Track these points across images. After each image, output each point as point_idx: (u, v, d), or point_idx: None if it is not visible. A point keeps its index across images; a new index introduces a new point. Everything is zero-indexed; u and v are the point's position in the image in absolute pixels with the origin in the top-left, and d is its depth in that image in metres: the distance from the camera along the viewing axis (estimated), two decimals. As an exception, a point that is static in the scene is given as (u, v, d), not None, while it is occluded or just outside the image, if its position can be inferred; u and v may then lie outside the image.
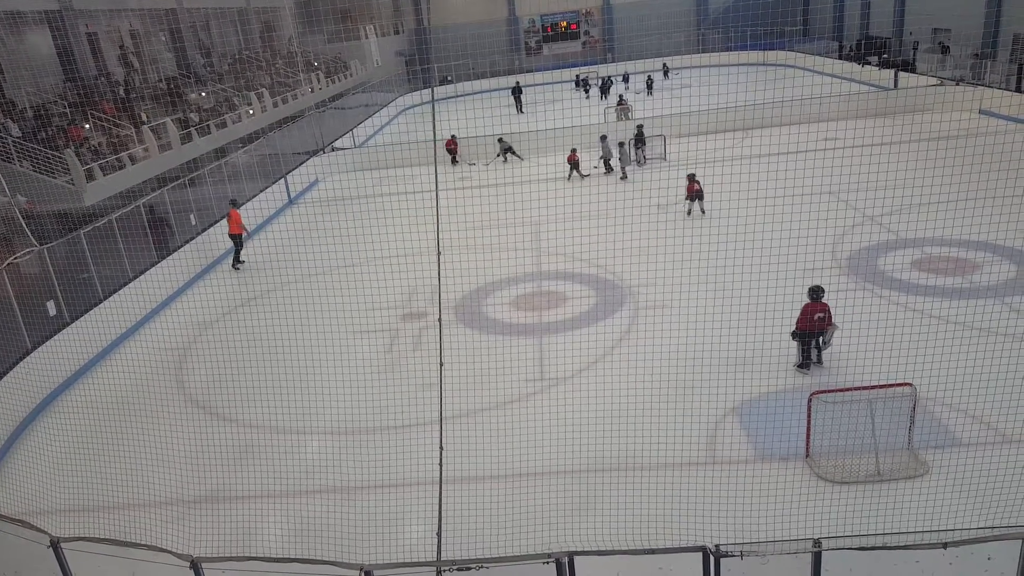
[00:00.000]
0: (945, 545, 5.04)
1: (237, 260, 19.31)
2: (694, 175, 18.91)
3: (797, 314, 11.00)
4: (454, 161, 28.35)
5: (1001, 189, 16.38)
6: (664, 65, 48.30)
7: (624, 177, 23.85)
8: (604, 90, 42.82)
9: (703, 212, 18.82)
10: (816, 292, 11.00)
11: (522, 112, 40.06)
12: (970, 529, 5.23)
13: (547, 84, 49.35)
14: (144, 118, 22.56)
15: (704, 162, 23.43)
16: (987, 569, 6.72)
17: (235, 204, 19.72)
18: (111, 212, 16.84)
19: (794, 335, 11.07)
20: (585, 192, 20.82)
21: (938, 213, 15.93)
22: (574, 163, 24.35)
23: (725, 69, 46.22)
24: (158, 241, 18.38)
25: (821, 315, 10.80)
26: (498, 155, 28.45)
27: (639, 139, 25.35)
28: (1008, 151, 20.68)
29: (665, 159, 25.67)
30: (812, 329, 10.85)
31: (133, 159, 20.25)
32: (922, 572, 7.12)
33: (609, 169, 24.45)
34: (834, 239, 16.21)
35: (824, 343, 11.03)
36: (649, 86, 41.85)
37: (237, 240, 19.15)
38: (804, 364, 11.06)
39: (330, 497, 9.57)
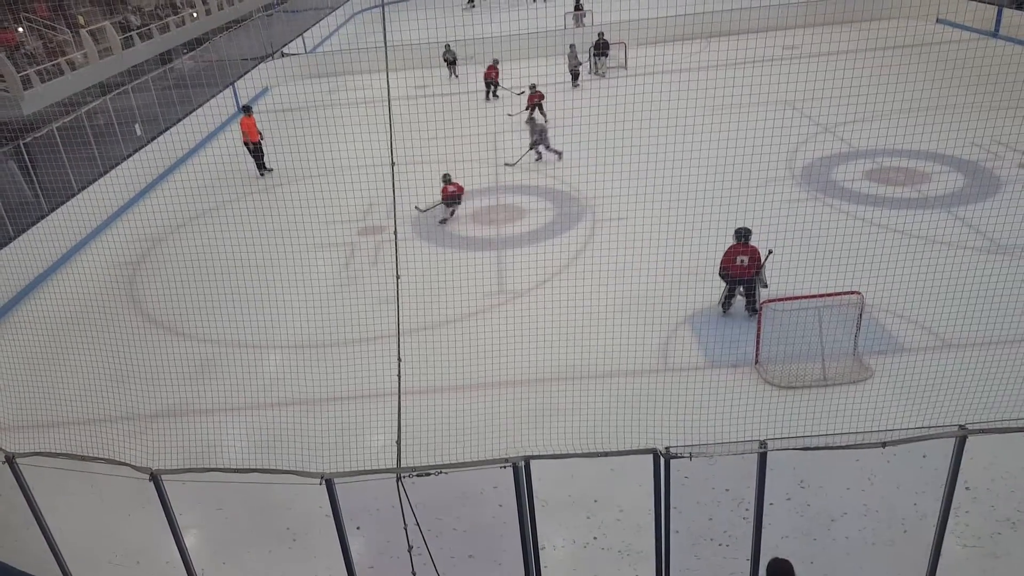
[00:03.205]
0: (884, 444, 5.27)
1: (263, 167, 18.38)
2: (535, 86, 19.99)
3: (756, 227, 11.03)
4: (490, 95, 23.19)
5: (953, 99, 16.53)
6: None
7: (577, 85, 23.40)
8: None
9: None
10: (740, 233, 10.29)
11: (472, 5, 39.34)
12: (908, 429, 5.47)
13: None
14: (82, 21, 21.14)
15: (665, 71, 23.05)
16: (922, 466, 7.14)
17: (247, 111, 18.39)
18: (52, 121, 16.00)
19: (720, 274, 10.48)
20: (546, 103, 20.36)
21: (892, 124, 16.04)
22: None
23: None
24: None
25: (744, 258, 10.14)
26: (450, 67, 26.17)
27: (600, 47, 24.71)
28: (962, 61, 20.71)
29: (626, 68, 25.16)
30: (733, 272, 10.24)
31: (72, 65, 19.08)
32: (861, 470, 7.55)
33: (577, 84, 23.71)
34: (790, 150, 16.26)
35: (754, 292, 10.27)
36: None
37: (257, 148, 18.10)
38: (725, 303, 10.57)
39: (291, 410, 9.63)
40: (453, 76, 25.84)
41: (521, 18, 32.52)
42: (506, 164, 17.71)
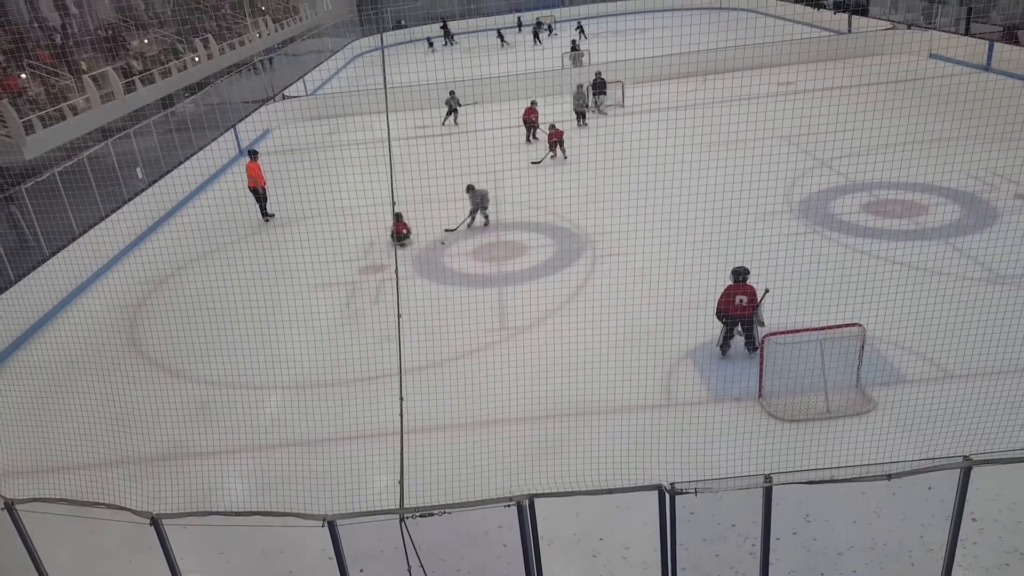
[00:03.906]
0: (889, 477, 5.25)
1: (265, 212, 18.24)
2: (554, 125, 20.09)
3: (756, 261, 11.07)
4: (531, 137, 22.24)
5: (947, 132, 16.76)
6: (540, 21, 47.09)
7: (584, 124, 23.65)
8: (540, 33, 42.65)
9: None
10: (738, 273, 10.15)
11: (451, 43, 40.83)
12: (913, 461, 5.45)
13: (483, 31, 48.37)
14: (84, 67, 21.53)
15: (662, 108, 23.38)
16: (927, 498, 7.09)
17: (253, 155, 18.27)
18: (53, 166, 16.18)
19: (718, 315, 10.34)
20: (545, 140, 20.63)
21: (888, 157, 16.23)
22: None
23: (679, 13, 45.78)
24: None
25: (743, 298, 10.03)
26: (449, 114, 25.52)
27: (598, 86, 25.09)
28: (956, 95, 21.02)
29: (623, 106, 25.52)
30: (733, 312, 10.08)
31: (75, 110, 19.38)
32: (867, 503, 7.48)
33: (584, 124, 23.71)
34: (788, 184, 16.42)
35: (753, 331, 10.17)
36: (536, 35, 41.70)
37: (259, 193, 18.00)
38: (724, 345, 10.40)
39: (292, 451, 9.57)
40: (454, 124, 25.39)
41: (519, 60, 33.14)
42: (532, 163, 19.83)
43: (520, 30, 47.70)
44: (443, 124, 25.30)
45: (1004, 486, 7.39)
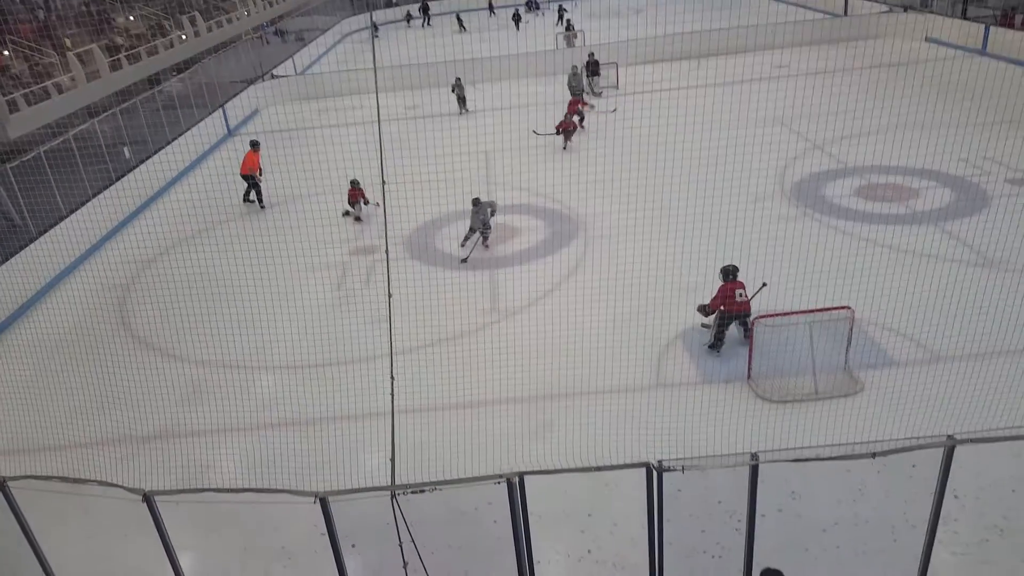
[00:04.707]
0: (874, 455, 5.34)
1: (259, 199, 17.86)
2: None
3: (748, 244, 11.13)
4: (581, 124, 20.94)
5: (941, 116, 16.81)
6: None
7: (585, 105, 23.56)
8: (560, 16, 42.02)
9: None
10: (731, 271, 10.02)
11: (464, 30, 40.51)
12: (898, 440, 5.54)
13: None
14: (68, 44, 21.25)
15: (656, 90, 23.32)
16: (911, 476, 7.20)
17: (255, 146, 17.79)
18: (39, 145, 16.03)
19: (705, 310, 10.19)
20: (538, 122, 20.56)
21: (882, 141, 16.28)
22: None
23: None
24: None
25: (742, 292, 9.90)
26: (459, 97, 24.24)
27: (592, 67, 24.99)
28: (951, 79, 21.07)
29: (617, 87, 25.45)
30: (735, 310, 9.90)
31: (59, 88, 19.15)
32: (852, 481, 7.60)
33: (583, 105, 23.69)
34: (781, 167, 16.46)
35: (747, 321, 9.99)
36: (516, 19, 41.42)
37: (251, 180, 17.60)
38: (716, 344, 10.14)
39: (284, 431, 9.61)
40: (463, 111, 24.35)
41: (511, 38, 32.91)
42: (534, 132, 19.53)
43: (493, 13, 46.97)
44: (460, 114, 24.15)
45: (986, 464, 7.52)
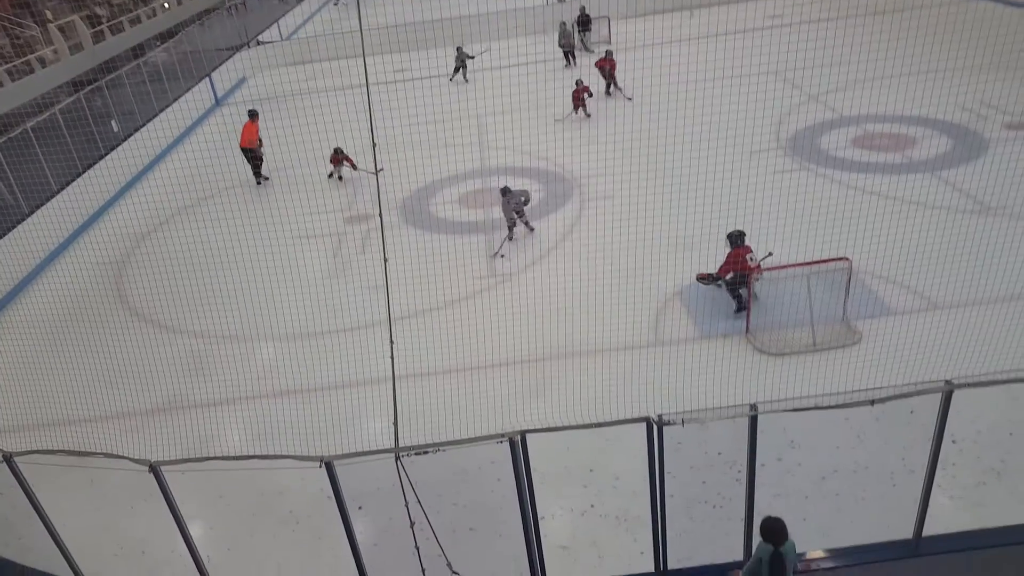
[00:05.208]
0: (872, 403, 5.38)
1: (257, 173, 17.10)
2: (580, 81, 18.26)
3: (745, 198, 11.04)
4: (611, 89, 19.83)
5: (938, 63, 16.60)
6: None
7: (569, 64, 23.26)
8: None
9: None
10: (739, 237, 9.92)
11: None
12: (896, 387, 5.58)
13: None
14: (50, 16, 20.84)
15: (648, 44, 22.98)
16: (910, 422, 7.28)
17: (253, 115, 16.86)
18: (25, 120, 15.82)
19: (709, 279, 10.06)
20: (531, 82, 20.31)
21: (879, 89, 16.11)
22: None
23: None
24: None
25: (752, 256, 9.79)
26: (457, 70, 23.50)
27: (583, 23, 24.59)
28: (948, 24, 20.74)
29: (610, 42, 25.06)
30: (747, 272, 9.70)
31: (43, 62, 18.85)
32: (851, 429, 7.68)
33: (570, 61, 23.31)
34: (776, 120, 16.31)
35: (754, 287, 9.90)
36: None
37: (251, 154, 16.86)
38: (740, 308, 9.92)
39: (287, 400, 9.66)
40: (464, 80, 23.72)
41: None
42: (556, 120, 18.10)
43: None
44: (451, 80, 23.64)
45: (983, 409, 7.60)
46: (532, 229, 13.12)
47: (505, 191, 12.83)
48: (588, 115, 18.31)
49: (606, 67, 19.62)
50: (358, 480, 5.97)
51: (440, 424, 8.17)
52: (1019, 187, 11.65)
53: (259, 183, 17.29)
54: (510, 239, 12.85)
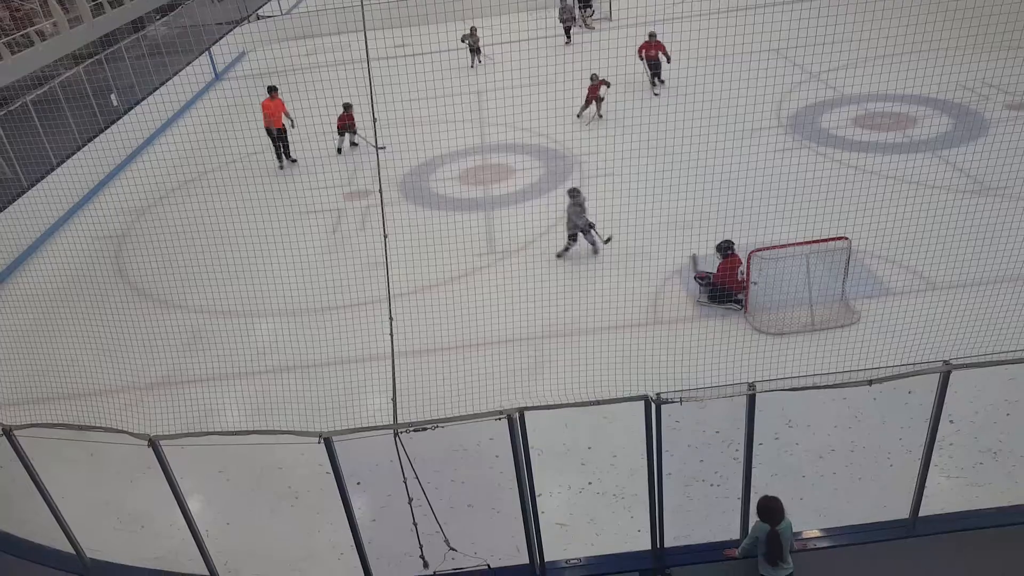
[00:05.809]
0: (871, 383, 5.37)
1: (284, 155, 16.33)
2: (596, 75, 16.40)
3: (745, 177, 10.96)
4: (656, 81, 17.84)
5: (940, 41, 16.41)
6: None
7: (569, 41, 23.02)
8: None
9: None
10: (726, 248, 9.77)
11: None
12: (894, 367, 5.57)
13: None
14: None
15: (649, 21, 22.74)
16: (907, 402, 7.29)
17: (272, 92, 15.99)
18: (25, 94, 15.70)
19: (704, 280, 9.96)
20: (530, 58, 20.08)
21: (880, 68, 15.94)
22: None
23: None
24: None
25: (742, 269, 9.63)
26: (472, 50, 22.28)
27: (584, -1, 24.27)
28: (948, 2, 20.50)
29: (611, 19, 24.81)
30: (736, 289, 9.70)
31: (42, 35, 18.67)
32: (848, 408, 7.70)
33: (570, 38, 23.10)
34: (777, 99, 16.17)
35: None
36: None
37: (281, 135, 16.08)
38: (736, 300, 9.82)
39: (286, 376, 9.69)
40: (476, 62, 22.42)
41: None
42: (577, 116, 16.58)
43: None
44: (471, 67, 22.52)
45: (981, 389, 7.62)
46: (597, 252, 11.52)
47: (573, 192, 11.55)
48: (600, 115, 16.60)
49: (653, 54, 17.39)
50: (357, 456, 5.99)
51: (439, 401, 8.19)
52: (1019, 167, 11.57)
53: (281, 167, 16.29)
54: (568, 248, 11.53)
